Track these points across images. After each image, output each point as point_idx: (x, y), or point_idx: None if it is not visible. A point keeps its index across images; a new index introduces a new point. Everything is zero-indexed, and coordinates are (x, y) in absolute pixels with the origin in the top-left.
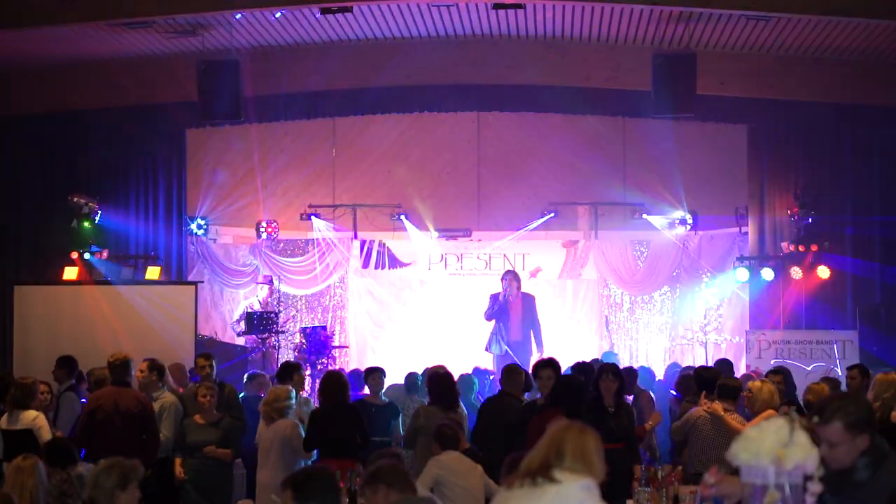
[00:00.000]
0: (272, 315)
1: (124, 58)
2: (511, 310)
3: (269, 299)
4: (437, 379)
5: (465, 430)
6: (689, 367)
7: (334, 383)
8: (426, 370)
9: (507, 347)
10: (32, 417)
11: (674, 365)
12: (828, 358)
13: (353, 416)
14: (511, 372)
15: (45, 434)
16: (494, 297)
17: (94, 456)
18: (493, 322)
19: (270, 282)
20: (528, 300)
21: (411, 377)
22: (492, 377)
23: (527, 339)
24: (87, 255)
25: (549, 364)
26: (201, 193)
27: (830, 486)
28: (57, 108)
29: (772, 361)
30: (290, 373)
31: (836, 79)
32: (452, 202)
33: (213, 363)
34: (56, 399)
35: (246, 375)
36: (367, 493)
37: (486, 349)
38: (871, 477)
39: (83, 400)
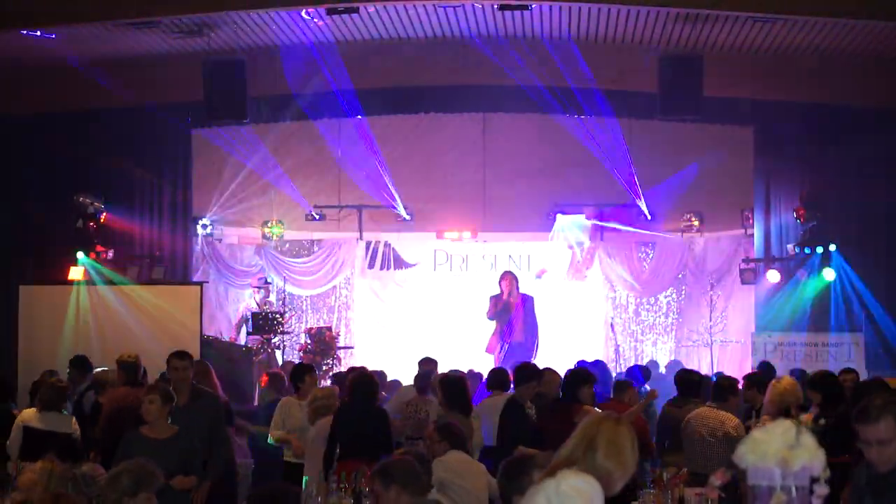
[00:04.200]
0: (277, 316)
1: (130, 58)
2: (512, 311)
3: (267, 300)
4: (452, 384)
5: (481, 432)
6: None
7: (364, 383)
8: (437, 375)
9: (507, 349)
10: (68, 421)
11: (675, 363)
12: (833, 360)
13: (378, 419)
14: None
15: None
16: (495, 298)
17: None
18: (495, 323)
19: (266, 283)
20: (528, 301)
21: (423, 378)
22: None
23: (528, 339)
24: (89, 258)
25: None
26: (207, 194)
27: (872, 489)
28: (62, 108)
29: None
30: (301, 375)
31: (843, 81)
32: (458, 203)
33: (190, 364)
34: (79, 398)
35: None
36: (377, 488)
37: (488, 351)
38: None
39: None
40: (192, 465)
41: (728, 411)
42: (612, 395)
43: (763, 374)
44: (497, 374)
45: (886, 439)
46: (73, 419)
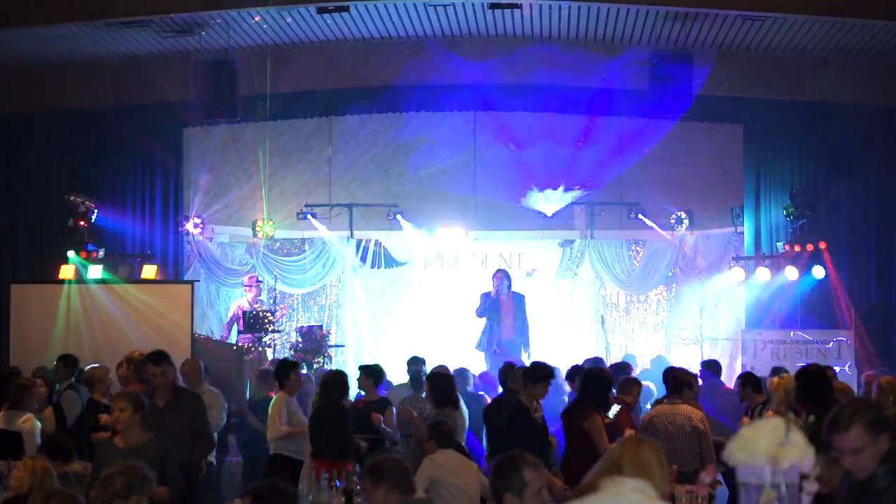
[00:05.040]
0: (268, 314)
1: (121, 57)
2: (503, 309)
3: (259, 299)
4: (440, 381)
5: (465, 430)
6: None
7: (331, 383)
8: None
9: (497, 347)
10: (23, 419)
11: (659, 359)
12: (823, 358)
13: (343, 417)
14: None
15: (30, 437)
16: (486, 296)
17: None
18: (485, 321)
19: (258, 282)
20: (520, 299)
21: (417, 374)
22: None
23: (518, 338)
24: (80, 257)
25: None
26: (198, 192)
27: (851, 495)
28: (54, 108)
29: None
30: (286, 372)
31: (832, 78)
32: (448, 201)
33: (167, 366)
34: (56, 396)
35: (259, 375)
36: (366, 486)
37: (477, 347)
38: (891, 486)
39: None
40: (166, 472)
41: (686, 404)
42: (616, 393)
43: (716, 370)
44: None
45: (858, 447)
46: (31, 418)
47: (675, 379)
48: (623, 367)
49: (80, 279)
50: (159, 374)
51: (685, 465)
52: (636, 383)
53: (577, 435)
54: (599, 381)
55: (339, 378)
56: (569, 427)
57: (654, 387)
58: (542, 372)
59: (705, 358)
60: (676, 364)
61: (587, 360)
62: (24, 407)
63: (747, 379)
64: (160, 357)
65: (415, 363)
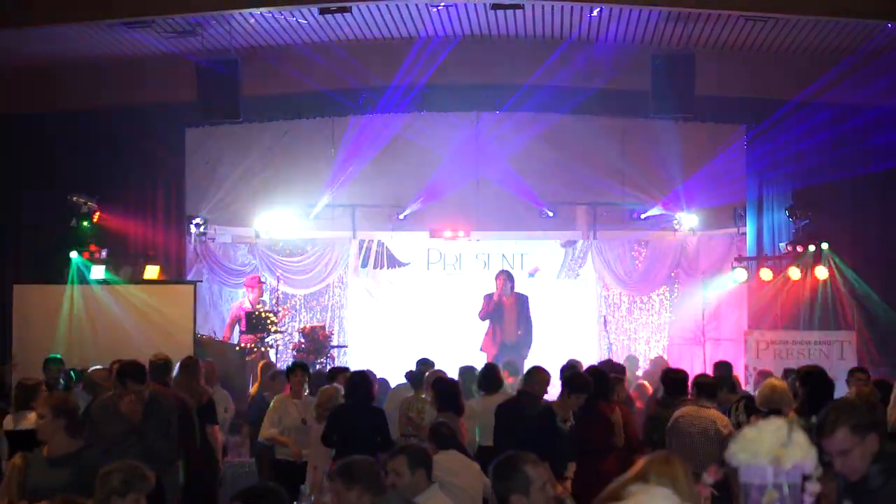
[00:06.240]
0: (270, 315)
1: (124, 58)
2: (505, 310)
3: (261, 300)
4: (444, 385)
5: (472, 431)
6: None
7: (356, 384)
8: (429, 374)
9: (501, 347)
10: (36, 417)
11: (657, 360)
12: (826, 359)
13: (377, 417)
14: (534, 372)
15: None
16: (489, 297)
17: None
18: (488, 322)
19: (260, 283)
20: (522, 300)
21: (418, 377)
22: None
23: (521, 338)
24: (82, 258)
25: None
26: (200, 193)
27: (847, 496)
28: (56, 108)
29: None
30: (286, 374)
31: (834, 79)
32: (451, 202)
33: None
34: None
35: (270, 374)
36: (339, 488)
37: (481, 349)
38: (885, 484)
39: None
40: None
41: (713, 409)
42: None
43: (726, 373)
44: (489, 372)
45: (846, 450)
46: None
47: (703, 384)
48: (617, 369)
49: (82, 280)
50: (145, 390)
51: (700, 468)
52: (620, 381)
53: (599, 428)
54: (604, 378)
55: (362, 380)
56: (590, 423)
57: (648, 385)
58: (583, 383)
59: (708, 358)
60: (677, 366)
61: (567, 362)
62: (32, 407)
63: (723, 382)
64: (143, 374)
65: (423, 364)
